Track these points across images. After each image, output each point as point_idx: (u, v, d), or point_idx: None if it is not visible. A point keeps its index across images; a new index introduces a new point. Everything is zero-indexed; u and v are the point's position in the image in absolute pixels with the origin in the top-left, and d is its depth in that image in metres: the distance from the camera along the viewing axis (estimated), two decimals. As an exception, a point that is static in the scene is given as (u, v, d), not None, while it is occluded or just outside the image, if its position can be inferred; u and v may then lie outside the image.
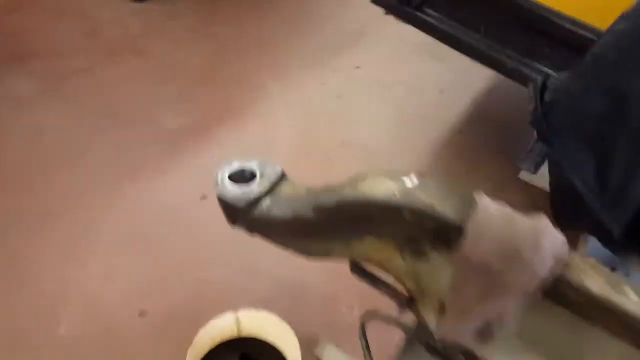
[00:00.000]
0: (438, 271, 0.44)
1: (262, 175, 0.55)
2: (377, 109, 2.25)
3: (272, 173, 0.56)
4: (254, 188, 0.54)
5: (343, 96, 2.28)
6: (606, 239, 0.92)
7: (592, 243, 1.27)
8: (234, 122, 2.06)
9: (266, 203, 0.53)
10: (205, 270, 1.51)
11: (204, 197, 1.73)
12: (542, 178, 1.83)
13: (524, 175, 1.86)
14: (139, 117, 2.00)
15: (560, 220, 1.02)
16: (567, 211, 0.98)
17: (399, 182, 0.46)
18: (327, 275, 1.50)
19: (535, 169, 1.82)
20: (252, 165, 0.57)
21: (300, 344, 1.23)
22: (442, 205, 0.42)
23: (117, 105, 2.05)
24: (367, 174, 0.49)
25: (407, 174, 0.46)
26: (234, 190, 0.54)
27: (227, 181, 0.55)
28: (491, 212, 0.40)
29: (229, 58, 2.38)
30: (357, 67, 2.49)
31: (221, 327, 1.24)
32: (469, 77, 2.46)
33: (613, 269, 1.19)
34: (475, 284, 0.39)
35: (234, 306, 1.31)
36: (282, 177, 0.56)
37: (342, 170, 1.92)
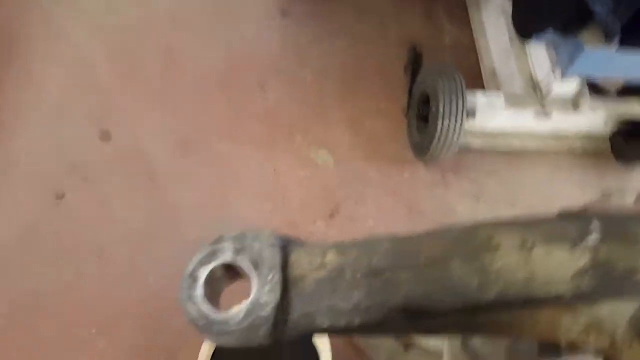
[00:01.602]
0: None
1: (256, 265, 0.32)
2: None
3: (265, 251, 0.33)
4: (262, 299, 0.31)
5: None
6: (573, 31, 0.96)
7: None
8: (21, 63, 1.48)
9: (297, 313, 0.32)
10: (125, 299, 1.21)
11: (59, 196, 1.31)
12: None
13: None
14: None
15: (524, 30, 0.99)
16: (532, 18, 0.99)
17: (578, 250, 0.30)
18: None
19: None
20: (225, 254, 0.33)
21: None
22: None
23: None
24: (494, 233, 0.32)
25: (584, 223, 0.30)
26: (230, 324, 0.31)
27: (208, 310, 0.31)
28: None
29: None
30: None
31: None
32: None
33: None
34: None
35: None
36: (285, 247, 0.34)
37: (191, 71, 1.52)
